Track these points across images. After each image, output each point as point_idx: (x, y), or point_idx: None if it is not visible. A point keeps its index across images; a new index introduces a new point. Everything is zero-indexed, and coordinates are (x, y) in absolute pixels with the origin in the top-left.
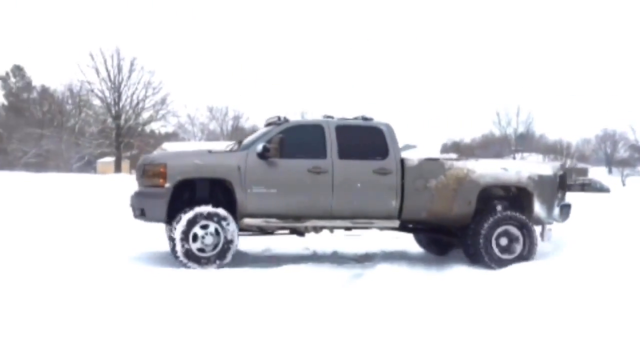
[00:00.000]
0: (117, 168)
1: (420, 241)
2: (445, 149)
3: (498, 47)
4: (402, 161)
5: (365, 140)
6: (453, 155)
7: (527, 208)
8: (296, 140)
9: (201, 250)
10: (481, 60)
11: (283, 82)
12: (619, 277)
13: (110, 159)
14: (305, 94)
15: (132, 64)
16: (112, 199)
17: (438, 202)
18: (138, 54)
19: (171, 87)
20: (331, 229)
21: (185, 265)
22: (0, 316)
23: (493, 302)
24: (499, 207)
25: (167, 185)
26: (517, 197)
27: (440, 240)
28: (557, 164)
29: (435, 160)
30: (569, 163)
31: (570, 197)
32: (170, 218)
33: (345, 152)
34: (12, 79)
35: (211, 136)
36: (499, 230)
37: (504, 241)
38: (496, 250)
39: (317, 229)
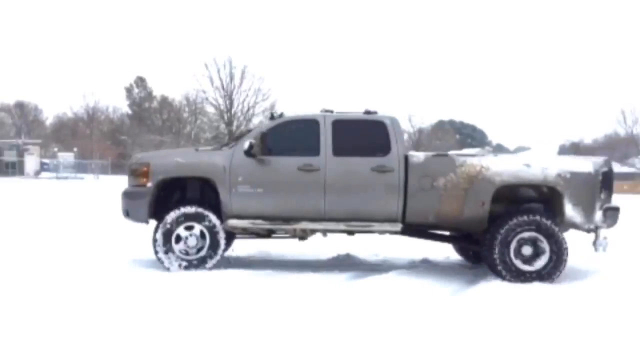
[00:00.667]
0: None
1: (457, 248)
2: (563, 150)
3: (619, 40)
4: (406, 158)
5: (366, 136)
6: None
7: (557, 211)
8: (289, 137)
9: (184, 252)
10: (603, 55)
11: (389, 86)
12: None
13: None
14: (412, 95)
15: (243, 72)
16: None
17: (447, 204)
18: (248, 62)
19: (279, 93)
20: (324, 232)
21: (167, 269)
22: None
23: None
24: (523, 210)
25: (149, 185)
26: (550, 198)
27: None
28: (601, 159)
29: (445, 156)
30: None
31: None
32: (159, 219)
33: (341, 149)
34: (136, 90)
35: None
36: (519, 237)
37: (527, 250)
38: (515, 260)
39: (307, 232)
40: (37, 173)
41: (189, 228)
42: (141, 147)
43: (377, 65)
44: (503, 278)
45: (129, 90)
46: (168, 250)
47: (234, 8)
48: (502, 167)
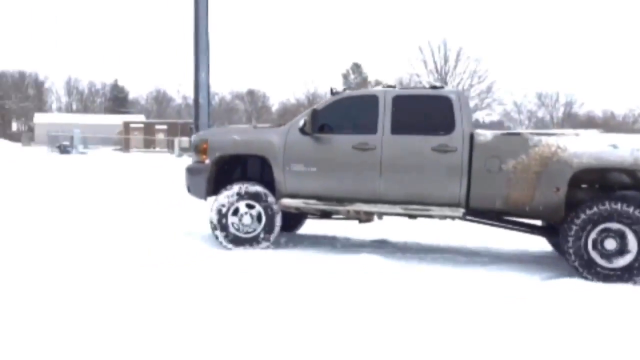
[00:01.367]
0: None
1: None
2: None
3: None
4: (472, 137)
5: (428, 112)
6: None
7: None
8: (346, 114)
9: (238, 229)
10: None
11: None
12: None
13: None
14: None
15: (458, 54)
16: None
17: (516, 188)
18: (464, 43)
19: (497, 75)
20: (379, 214)
21: (223, 246)
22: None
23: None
24: (608, 198)
25: (208, 161)
26: None
27: None
28: None
29: (517, 135)
30: None
31: None
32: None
33: (399, 127)
34: (352, 76)
35: (539, 124)
36: (600, 228)
37: (610, 244)
38: (595, 256)
39: (361, 214)
40: None
41: (244, 206)
42: None
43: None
44: (579, 274)
45: (345, 77)
46: (222, 227)
47: None
48: (582, 148)
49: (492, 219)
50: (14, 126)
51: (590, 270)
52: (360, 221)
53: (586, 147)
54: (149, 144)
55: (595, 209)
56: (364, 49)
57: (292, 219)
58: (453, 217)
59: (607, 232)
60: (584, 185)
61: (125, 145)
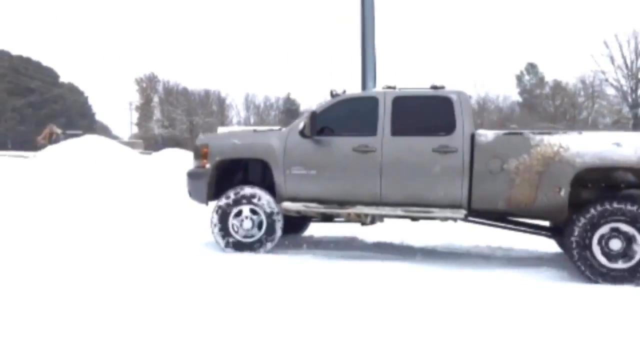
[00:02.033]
0: None
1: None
2: None
3: None
4: (473, 137)
5: (429, 113)
6: None
7: None
8: (345, 116)
9: (239, 234)
10: None
11: None
12: None
13: None
14: None
15: None
16: None
17: (518, 189)
18: None
19: None
20: (380, 217)
21: (224, 251)
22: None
23: None
24: (611, 197)
25: (208, 166)
26: None
27: None
28: None
29: (518, 134)
30: None
31: None
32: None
33: (400, 128)
34: (526, 77)
35: None
36: (605, 229)
37: (616, 244)
38: (599, 256)
39: (362, 217)
40: None
41: (243, 210)
42: None
43: None
44: (583, 274)
45: (519, 78)
46: (223, 231)
47: None
48: (584, 148)
49: (494, 220)
50: None
51: (593, 270)
52: (363, 224)
53: (589, 146)
54: None
55: (600, 207)
56: (540, 47)
57: (297, 222)
58: (455, 219)
59: (611, 232)
60: (588, 185)
61: None
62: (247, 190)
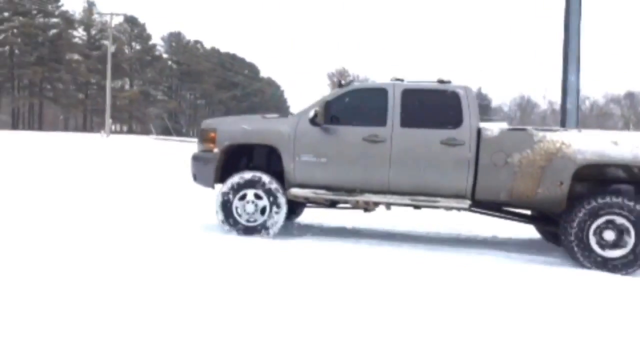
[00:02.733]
0: None
1: (538, 228)
2: None
3: None
4: (479, 131)
5: (437, 107)
6: None
7: None
8: (355, 106)
9: (244, 218)
10: None
11: None
12: None
13: None
14: None
15: None
16: None
17: (521, 182)
18: None
19: None
20: (387, 205)
21: (229, 232)
22: None
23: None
24: (607, 192)
25: (216, 150)
26: None
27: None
28: None
29: (522, 130)
30: None
31: None
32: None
33: (409, 120)
34: None
35: None
36: (600, 220)
37: (609, 235)
38: (595, 246)
39: (370, 204)
40: None
41: (247, 195)
42: None
43: None
44: (581, 264)
45: None
46: (228, 215)
47: None
48: (585, 145)
49: (492, 210)
50: None
51: (589, 258)
52: (366, 210)
53: (589, 143)
54: None
55: (596, 201)
56: None
57: (291, 207)
58: (459, 209)
59: (607, 224)
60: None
61: None
62: (253, 174)
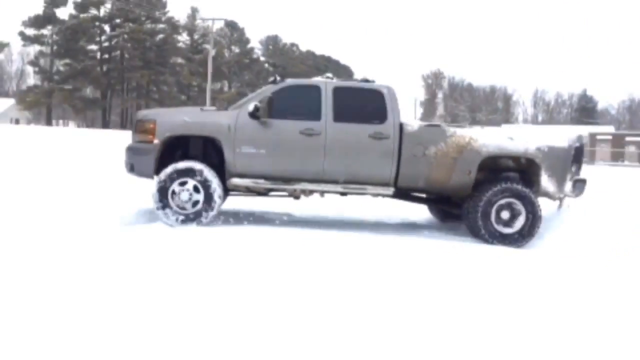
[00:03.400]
0: None
1: (431, 209)
2: None
3: None
4: (401, 126)
5: (364, 103)
6: None
7: (534, 181)
8: (291, 101)
9: (180, 207)
10: None
11: None
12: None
13: None
14: None
15: None
16: None
17: (436, 171)
18: None
19: None
20: (322, 192)
21: (164, 222)
22: None
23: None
24: (501, 179)
25: (156, 141)
26: (527, 169)
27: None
28: (574, 135)
29: (437, 126)
30: None
31: None
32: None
33: (341, 115)
34: None
35: None
36: (499, 202)
37: (505, 214)
38: (496, 224)
39: (306, 192)
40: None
41: (183, 183)
42: None
43: None
44: (486, 241)
45: None
46: (165, 205)
47: None
48: (488, 140)
49: (404, 196)
50: None
51: (491, 234)
52: (295, 198)
53: (491, 139)
54: (616, 157)
55: (498, 186)
56: None
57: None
58: (384, 195)
59: (503, 205)
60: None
61: (590, 157)
62: (189, 164)
